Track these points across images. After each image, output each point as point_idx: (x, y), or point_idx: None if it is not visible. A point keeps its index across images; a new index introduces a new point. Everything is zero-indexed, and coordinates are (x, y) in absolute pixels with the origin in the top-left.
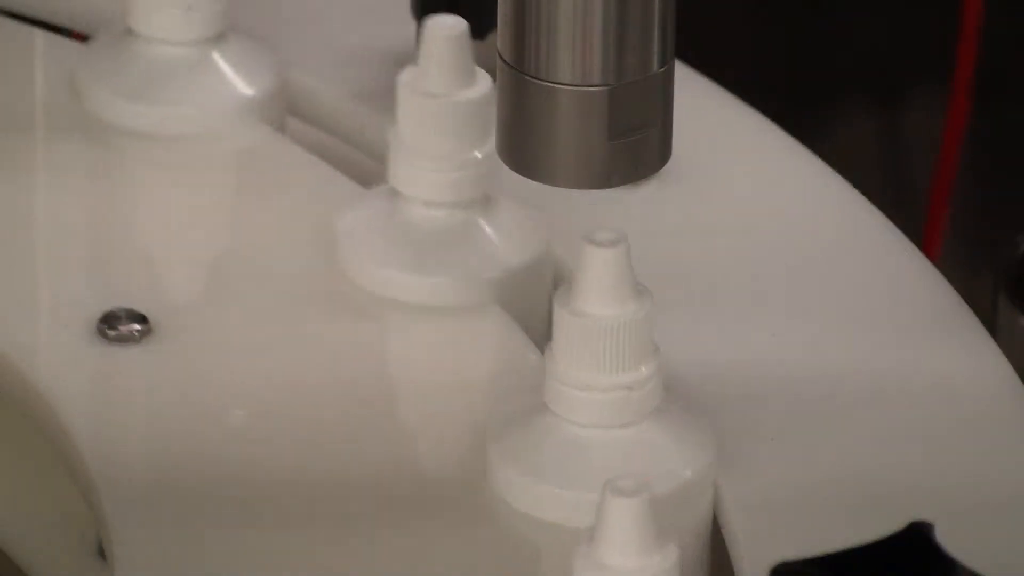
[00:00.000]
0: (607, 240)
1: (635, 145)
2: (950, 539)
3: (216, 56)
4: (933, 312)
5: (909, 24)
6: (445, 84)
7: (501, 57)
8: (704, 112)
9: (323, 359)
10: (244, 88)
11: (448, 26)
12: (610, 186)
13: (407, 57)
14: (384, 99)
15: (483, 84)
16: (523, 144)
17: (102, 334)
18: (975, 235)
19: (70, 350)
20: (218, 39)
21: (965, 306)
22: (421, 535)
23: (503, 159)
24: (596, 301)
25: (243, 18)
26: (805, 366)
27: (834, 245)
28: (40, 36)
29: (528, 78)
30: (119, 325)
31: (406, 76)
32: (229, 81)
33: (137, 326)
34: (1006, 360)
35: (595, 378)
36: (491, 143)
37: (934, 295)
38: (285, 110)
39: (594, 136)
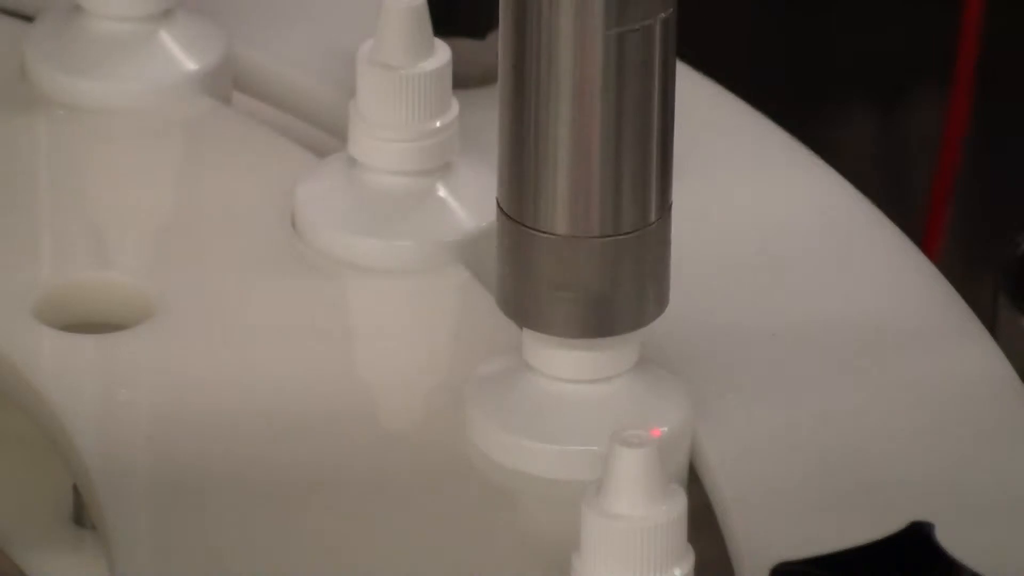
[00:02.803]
0: None
1: (634, 294)
2: (950, 539)
3: (162, 32)
4: (933, 312)
5: (909, 24)
6: (403, 55)
7: (499, 208)
8: (704, 112)
9: (290, 324)
10: (190, 63)
11: None
12: (608, 335)
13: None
14: (337, 75)
15: (441, 55)
16: (522, 294)
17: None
18: (975, 235)
19: (28, 328)
20: (165, 15)
21: (965, 306)
22: (399, 492)
23: (504, 311)
24: None
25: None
26: (804, 365)
27: (834, 245)
28: None
29: (526, 229)
30: None
31: (365, 49)
32: (175, 56)
33: None
34: (1006, 360)
35: None
36: (451, 113)
37: (934, 295)
38: (231, 85)
39: (592, 286)
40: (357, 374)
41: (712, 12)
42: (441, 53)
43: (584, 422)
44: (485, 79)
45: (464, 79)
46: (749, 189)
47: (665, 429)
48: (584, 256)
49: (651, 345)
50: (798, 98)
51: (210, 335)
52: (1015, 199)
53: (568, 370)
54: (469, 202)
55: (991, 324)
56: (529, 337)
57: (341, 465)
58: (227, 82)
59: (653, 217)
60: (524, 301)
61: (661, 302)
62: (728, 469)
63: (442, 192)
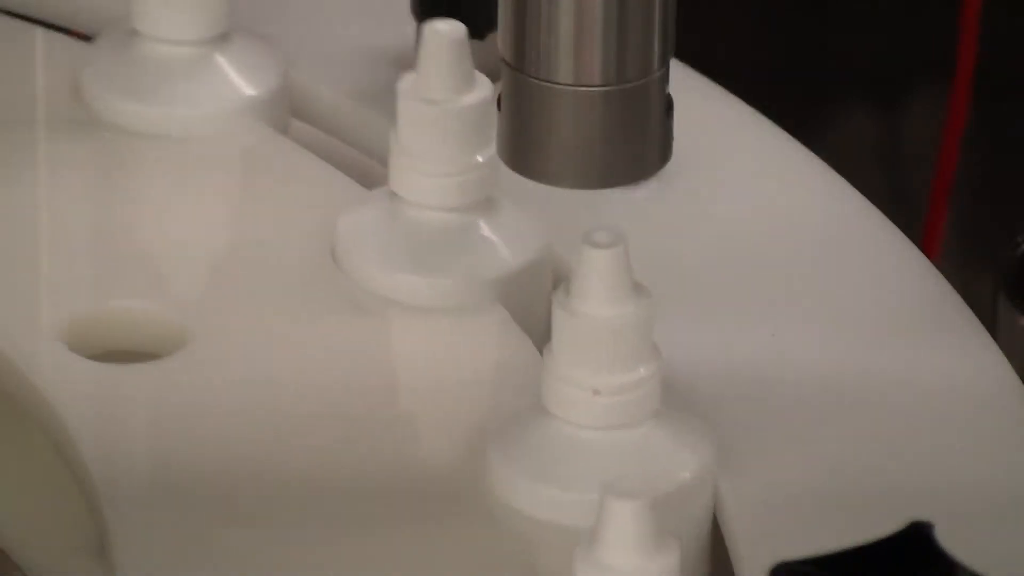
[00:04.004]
0: (605, 240)
1: (636, 145)
2: (950, 539)
3: (219, 57)
4: (933, 312)
5: (909, 24)
6: (445, 90)
7: (502, 58)
8: (704, 112)
9: (324, 359)
10: (246, 88)
11: (447, 31)
12: (610, 186)
13: (406, 57)
14: (382, 99)
15: (483, 89)
16: (524, 145)
17: None
18: (975, 235)
19: (67, 355)
20: (222, 39)
21: (965, 306)
22: (420, 534)
23: (504, 160)
24: (595, 301)
25: (241, 17)
26: (805, 366)
27: (834, 245)
28: (43, 35)
29: (529, 79)
30: None
31: (406, 82)
32: (231, 82)
33: None
34: (1006, 360)
35: (594, 379)
36: (492, 147)
37: (934, 295)
38: (287, 111)
39: (594, 136)
40: (387, 411)
41: (712, 12)
42: (482, 86)
43: (604, 469)
44: None
45: None
46: (749, 189)
47: (686, 475)
48: (586, 106)
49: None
50: (798, 98)
51: (241, 367)
52: (1015, 199)
53: (586, 416)
54: (510, 238)
55: (991, 324)
56: (548, 384)
57: (362, 499)
58: (283, 108)
59: (656, 67)
60: (525, 150)
61: (664, 154)
62: (728, 469)
63: (483, 228)
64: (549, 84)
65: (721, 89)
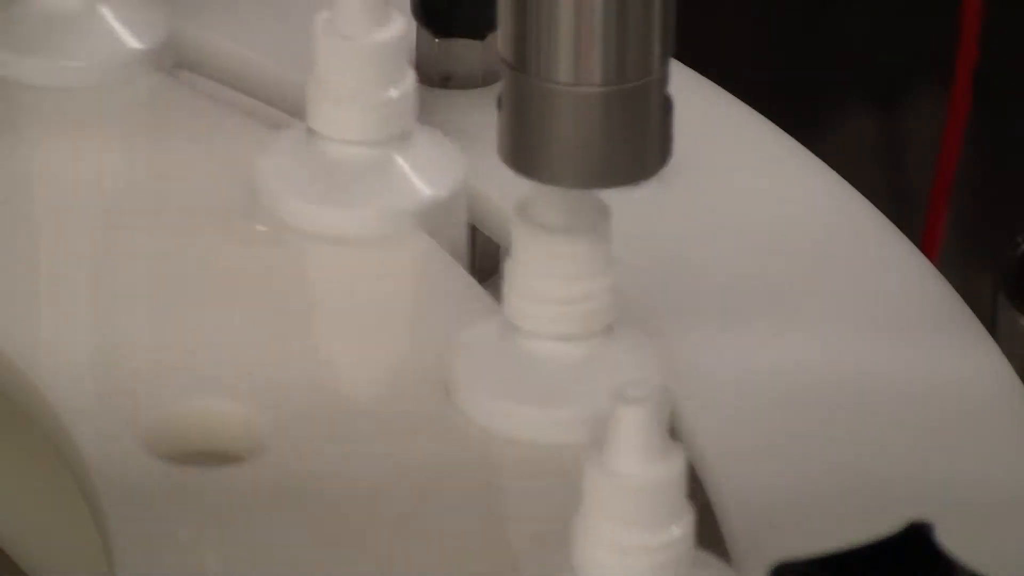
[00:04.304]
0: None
1: (636, 145)
2: (950, 539)
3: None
4: (933, 312)
5: (909, 24)
6: (359, 25)
7: (502, 58)
8: (704, 112)
9: (265, 296)
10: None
11: None
12: (610, 186)
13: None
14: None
15: (397, 25)
16: (524, 145)
17: None
18: (975, 235)
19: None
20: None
21: (965, 306)
22: (384, 456)
23: (504, 160)
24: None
25: (241, 18)
26: (805, 366)
27: (834, 245)
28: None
29: (529, 79)
30: None
31: (321, 19)
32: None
33: None
34: (1006, 360)
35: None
36: (407, 82)
37: (934, 295)
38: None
39: (594, 136)
40: (330, 336)
41: (712, 12)
42: (396, 23)
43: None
44: (485, 79)
45: (464, 79)
46: (749, 189)
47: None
48: (586, 106)
49: (651, 331)
50: (798, 98)
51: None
52: (1015, 199)
53: (546, 327)
54: (424, 171)
55: (991, 324)
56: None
57: (321, 424)
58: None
59: (656, 67)
60: (525, 150)
61: (664, 154)
62: (728, 469)
63: (398, 161)
64: (549, 84)
65: (721, 89)
